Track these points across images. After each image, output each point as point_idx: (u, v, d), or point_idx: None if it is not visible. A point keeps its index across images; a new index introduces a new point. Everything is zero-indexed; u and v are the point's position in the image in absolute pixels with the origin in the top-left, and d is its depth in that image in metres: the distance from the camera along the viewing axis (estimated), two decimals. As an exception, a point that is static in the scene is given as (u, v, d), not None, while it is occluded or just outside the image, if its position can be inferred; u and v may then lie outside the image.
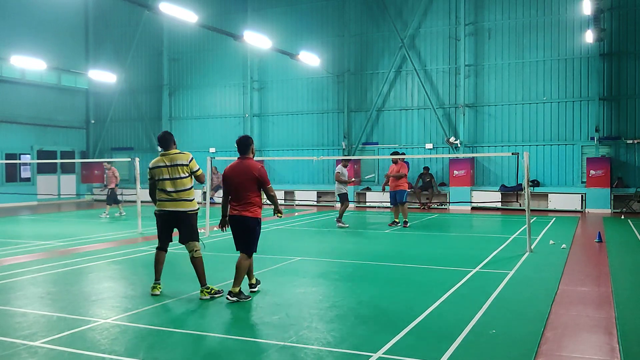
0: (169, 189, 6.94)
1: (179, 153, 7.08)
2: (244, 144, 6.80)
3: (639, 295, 7.12)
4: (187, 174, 7.00)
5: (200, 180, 7.26)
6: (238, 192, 6.66)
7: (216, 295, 6.89)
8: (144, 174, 18.96)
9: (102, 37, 27.80)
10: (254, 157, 6.89)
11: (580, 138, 19.74)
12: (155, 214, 7.16)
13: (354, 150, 22.67)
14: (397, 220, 14.61)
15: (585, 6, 16.60)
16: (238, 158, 6.84)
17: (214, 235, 12.62)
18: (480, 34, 21.04)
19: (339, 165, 14.92)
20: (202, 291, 6.90)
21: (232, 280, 6.75)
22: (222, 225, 6.97)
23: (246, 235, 6.72)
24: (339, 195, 14.90)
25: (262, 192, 6.84)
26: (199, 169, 7.17)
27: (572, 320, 5.92)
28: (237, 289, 6.68)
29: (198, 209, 7.17)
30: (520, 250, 10.40)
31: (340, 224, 14.61)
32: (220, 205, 7.02)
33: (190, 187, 7.06)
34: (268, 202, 7.10)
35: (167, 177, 6.95)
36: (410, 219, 16.47)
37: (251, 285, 7.14)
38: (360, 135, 22.63)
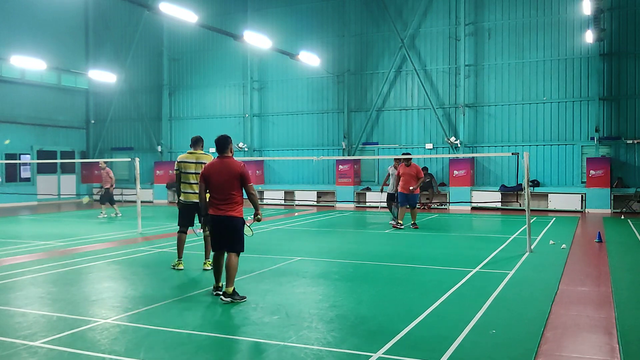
0: (192, 181, 8.41)
1: (204, 154, 8.58)
2: (223, 143, 6.76)
3: (639, 295, 7.12)
4: None
5: None
6: (222, 190, 6.64)
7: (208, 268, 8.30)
8: (144, 173, 19.05)
9: (102, 37, 27.80)
10: (232, 156, 6.84)
11: (580, 138, 19.74)
12: (179, 202, 8.64)
13: (354, 150, 22.67)
14: (401, 222, 14.03)
15: (585, 6, 16.59)
16: (217, 157, 6.84)
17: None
18: (480, 34, 21.05)
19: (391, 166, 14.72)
20: (205, 263, 8.59)
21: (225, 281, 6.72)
22: (205, 223, 7.14)
23: (234, 235, 6.71)
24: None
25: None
26: None
27: (572, 320, 5.92)
28: (231, 289, 6.64)
29: None
30: (520, 250, 10.40)
31: (392, 222, 14.35)
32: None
33: None
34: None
35: (192, 171, 8.43)
36: (410, 219, 16.48)
37: (216, 289, 6.93)
38: (360, 135, 22.63)
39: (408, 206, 14.15)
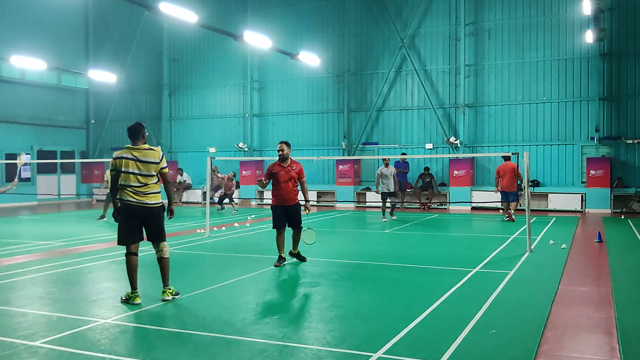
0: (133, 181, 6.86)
1: (150, 149, 6.85)
2: (285, 155, 9.39)
3: (639, 295, 7.12)
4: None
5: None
6: (285, 183, 9.19)
7: (177, 297, 6.90)
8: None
9: (102, 37, 27.80)
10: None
11: (580, 138, 19.74)
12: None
13: (354, 150, 22.66)
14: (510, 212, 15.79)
15: (585, 6, 16.60)
16: (278, 160, 9.39)
17: (214, 235, 12.61)
18: (480, 34, 21.04)
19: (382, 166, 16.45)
20: (164, 292, 6.87)
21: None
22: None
23: (296, 216, 9.33)
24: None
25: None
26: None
27: (572, 320, 5.92)
28: (295, 251, 9.35)
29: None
30: (520, 250, 10.40)
31: (385, 219, 16.19)
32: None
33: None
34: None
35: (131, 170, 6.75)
36: (410, 219, 16.53)
37: (280, 259, 9.22)
38: (360, 135, 22.63)
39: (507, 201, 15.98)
